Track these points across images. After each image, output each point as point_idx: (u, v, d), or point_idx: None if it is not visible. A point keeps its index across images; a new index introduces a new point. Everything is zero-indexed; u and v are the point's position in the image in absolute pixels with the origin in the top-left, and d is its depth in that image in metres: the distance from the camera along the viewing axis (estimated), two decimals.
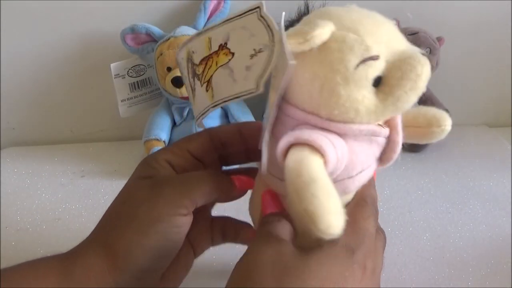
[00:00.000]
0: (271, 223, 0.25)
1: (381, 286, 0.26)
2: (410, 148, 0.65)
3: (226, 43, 0.25)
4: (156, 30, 0.62)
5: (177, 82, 0.58)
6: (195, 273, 0.42)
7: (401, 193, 0.55)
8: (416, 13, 0.66)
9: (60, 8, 0.66)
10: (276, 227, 0.25)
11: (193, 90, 0.29)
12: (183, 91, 0.58)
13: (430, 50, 0.62)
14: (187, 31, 0.60)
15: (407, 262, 0.42)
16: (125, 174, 0.65)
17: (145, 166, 0.29)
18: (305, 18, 0.25)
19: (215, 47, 0.26)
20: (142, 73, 0.66)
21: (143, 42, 0.63)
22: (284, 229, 0.25)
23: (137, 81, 0.66)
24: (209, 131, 0.31)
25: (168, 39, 0.59)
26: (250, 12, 0.24)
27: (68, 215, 0.53)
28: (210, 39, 0.26)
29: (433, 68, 0.64)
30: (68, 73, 0.72)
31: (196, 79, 0.28)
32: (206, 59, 0.26)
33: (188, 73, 0.29)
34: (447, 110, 0.72)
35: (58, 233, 0.50)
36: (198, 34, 0.27)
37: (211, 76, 0.26)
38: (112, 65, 0.63)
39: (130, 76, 0.65)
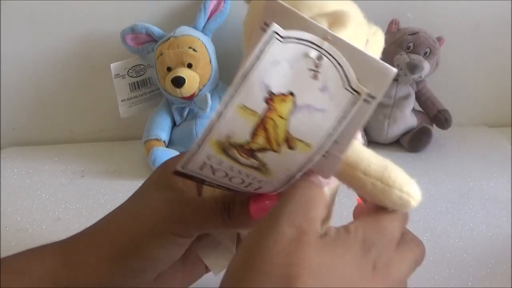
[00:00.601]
0: (300, 190, 0.22)
1: None
2: (410, 148, 0.65)
3: (271, 93, 0.21)
4: (156, 30, 0.62)
5: (177, 82, 0.58)
6: None
7: None
8: (416, 13, 0.66)
9: (60, 8, 0.66)
10: (307, 202, 0.22)
11: (259, 168, 0.23)
12: (183, 91, 0.58)
13: (430, 50, 0.62)
14: (187, 31, 0.60)
15: None
16: (125, 174, 0.65)
17: (168, 177, 0.28)
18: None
19: (258, 107, 0.21)
20: (142, 73, 0.66)
21: (143, 42, 0.63)
22: (317, 207, 0.22)
23: (137, 81, 0.66)
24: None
25: (168, 39, 0.59)
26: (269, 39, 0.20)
27: (68, 215, 0.53)
28: (244, 106, 0.21)
29: (433, 68, 0.64)
30: (68, 73, 0.71)
31: (261, 152, 0.22)
32: (260, 126, 0.21)
33: (236, 163, 0.22)
34: (447, 110, 0.73)
35: (58, 233, 0.50)
36: (218, 117, 0.21)
37: (286, 131, 0.21)
38: (112, 65, 0.63)
39: (130, 76, 0.65)
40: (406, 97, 0.65)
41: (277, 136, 0.21)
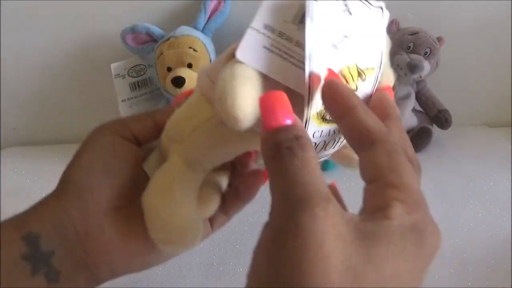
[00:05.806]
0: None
1: None
2: None
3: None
4: (156, 30, 0.62)
5: (177, 82, 0.58)
6: (194, 272, 0.42)
7: None
8: (416, 13, 0.66)
9: (61, 8, 0.66)
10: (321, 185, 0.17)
11: None
12: (183, 91, 0.59)
13: (430, 50, 0.62)
14: (187, 31, 0.60)
15: None
16: None
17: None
18: None
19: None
20: (142, 73, 0.66)
21: (143, 42, 0.63)
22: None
23: (138, 81, 0.66)
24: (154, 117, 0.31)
25: (168, 39, 0.59)
26: None
27: None
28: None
29: (433, 68, 0.64)
30: (69, 73, 0.71)
31: None
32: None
33: (332, 123, 0.24)
34: (447, 110, 0.72)
35: None
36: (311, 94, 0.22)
37: (356, 68, 0.23)
38: (112, 65, 0.63)
39: (131, 76, 0.65)
40: (406, 97, 0.65)
41: (352, 76, 0.23)
